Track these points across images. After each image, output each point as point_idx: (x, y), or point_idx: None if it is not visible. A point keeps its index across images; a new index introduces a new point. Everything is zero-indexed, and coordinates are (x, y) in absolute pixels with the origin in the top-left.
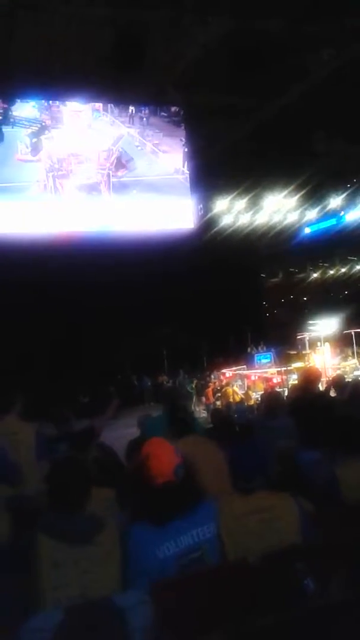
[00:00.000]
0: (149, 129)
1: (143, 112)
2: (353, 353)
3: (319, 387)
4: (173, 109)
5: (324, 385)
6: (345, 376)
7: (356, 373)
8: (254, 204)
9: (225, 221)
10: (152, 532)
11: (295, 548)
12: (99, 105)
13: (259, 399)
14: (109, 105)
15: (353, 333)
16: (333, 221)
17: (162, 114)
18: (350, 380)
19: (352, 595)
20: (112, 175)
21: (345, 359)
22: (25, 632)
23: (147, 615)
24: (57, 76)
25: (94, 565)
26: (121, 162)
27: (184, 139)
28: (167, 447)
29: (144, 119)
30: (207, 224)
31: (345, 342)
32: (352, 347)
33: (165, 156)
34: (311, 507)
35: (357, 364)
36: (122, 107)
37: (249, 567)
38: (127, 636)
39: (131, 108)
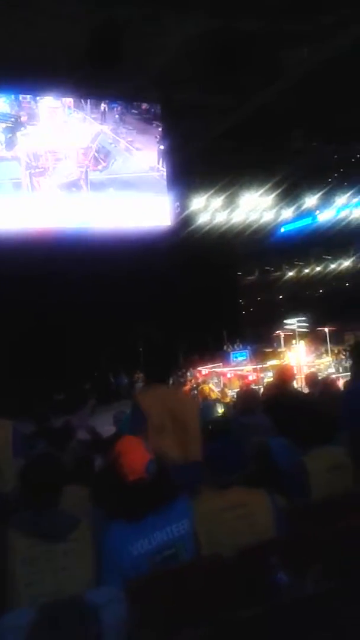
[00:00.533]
0: (122, 126)
1: (116, 109)
2: (327, 350)
3: (293, 385)
4: (144, 106)
5: (299, 383)
6: (320, 373)
7: (330, 370)
8: (230, 202)
9: (202, 219)
10: (126, 529)
11: (268, 542)
12: (70, 101)
13: (235, 396)
14: (81, 101)
15: (327, 331)
16: (308, 220)
17: (133, 111)
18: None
19: (325, 588)
20: (90, 173)
21: (319, 356)
22: None
23: (121, 613)
24: (32, 71)
25: (68, 562)
26: (99, 158)
27: (158, 137)
28: (139, 444)
29: (117, 116)
30: (184, 222)
31: (319, 340)
32: (327, 345)
33: (140, 153)
34: (285, 503)
35: (331, 361)
36: (93, 103)
37: (223, 563)
38: (101, 633)
39: (103, 105)
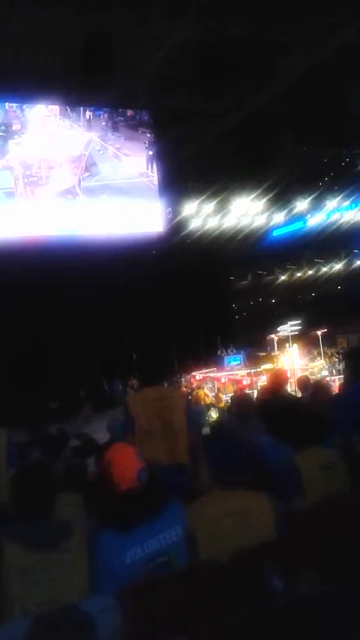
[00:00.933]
0: (110, 133)
1: (102, 116)
2: (320, 353)
3: (286, 389)
4: (130, 112)
5: (293, 387)
6: (313, 376)
7: (323, 373)
8: (222, 207)
9: (194, 224)
10: (118, 538)
11: (263, 546)
12: (57, 110)
13: (229, 401)
14: (67, 109)
15: (319, 334)
16: (300, 224)
17: (120, 118)
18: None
19: (319, 591)
20: (82, 180)
21: (313, 359)
22: None
23: (115, 621)
24: (22, 79)
25: (63, 571)
26: (90, 165)
27: (147, 142)
28: (130, 453)
29: (104, 123)
30: (176, 228)
31: (312, 343)
32: (320, 348)
33: (128, 159)
34: (283, 507)
35: (324, 364)
36: (80, 111)
37: (217, 569)
38: None
39: (88, 113)
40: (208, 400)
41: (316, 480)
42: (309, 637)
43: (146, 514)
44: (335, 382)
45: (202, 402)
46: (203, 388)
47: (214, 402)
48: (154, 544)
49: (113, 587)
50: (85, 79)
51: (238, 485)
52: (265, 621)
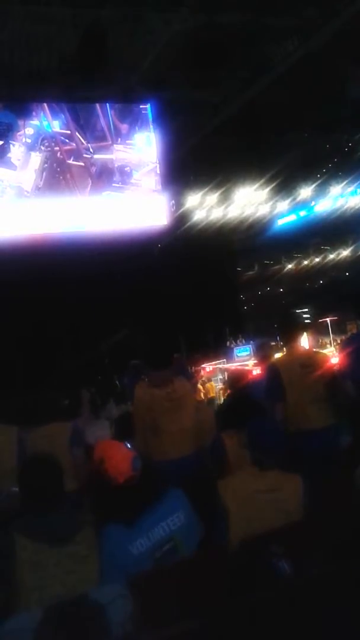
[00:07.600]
0: (114, 127)
1: (105, 111)
2: (330, 341)
3: None
4: (133, 106)
5: None
6: None
7: (333, 360)
8: (226, 198)
9: (198, 216)
10: (123, 531)
11: (269, 531)
12: (60, 106)
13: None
14: (69, 104)
15: (329, 321)
16: (305, 212)
17: (123, 112)
18: None
19: (325, 571)
20: (86, 176)
21: (323, 347)
22: (2, 634)
23: (127, 609)
24: (20, 79)
25: (76, 564)
26: (93, 161)
27: (150, 136)
28: (119, 446)
29: (108, 117)
30: (180, 220)
31: (322, 331)
32: (329, 335)
33: (133, 153)
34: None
35: (334, 351)
36: (82, 106)
37: (224, 555)
38: (108, 631)
39: (92, 107)
40: (212, 394)
41: None
42: (318, 618)
43: (147, 503)
44: None
45: (209, 395)
46: (208, 382)
47: (215, 396)
48: (158, 532)
49: (123, 578)
50: (82, 75)
51: (274, 466)
52: (274, 604)
